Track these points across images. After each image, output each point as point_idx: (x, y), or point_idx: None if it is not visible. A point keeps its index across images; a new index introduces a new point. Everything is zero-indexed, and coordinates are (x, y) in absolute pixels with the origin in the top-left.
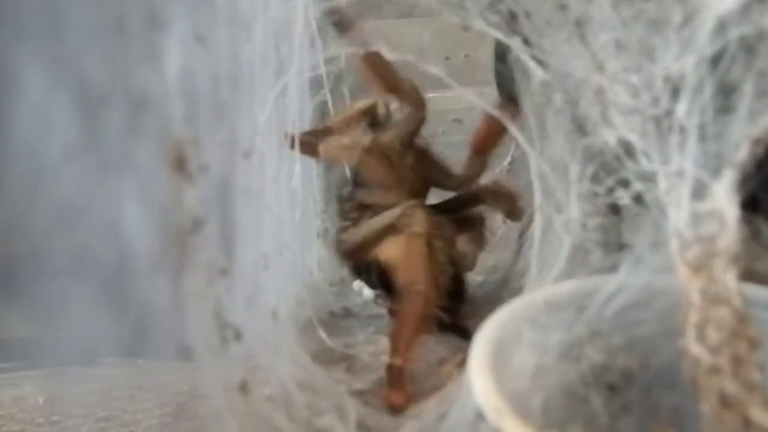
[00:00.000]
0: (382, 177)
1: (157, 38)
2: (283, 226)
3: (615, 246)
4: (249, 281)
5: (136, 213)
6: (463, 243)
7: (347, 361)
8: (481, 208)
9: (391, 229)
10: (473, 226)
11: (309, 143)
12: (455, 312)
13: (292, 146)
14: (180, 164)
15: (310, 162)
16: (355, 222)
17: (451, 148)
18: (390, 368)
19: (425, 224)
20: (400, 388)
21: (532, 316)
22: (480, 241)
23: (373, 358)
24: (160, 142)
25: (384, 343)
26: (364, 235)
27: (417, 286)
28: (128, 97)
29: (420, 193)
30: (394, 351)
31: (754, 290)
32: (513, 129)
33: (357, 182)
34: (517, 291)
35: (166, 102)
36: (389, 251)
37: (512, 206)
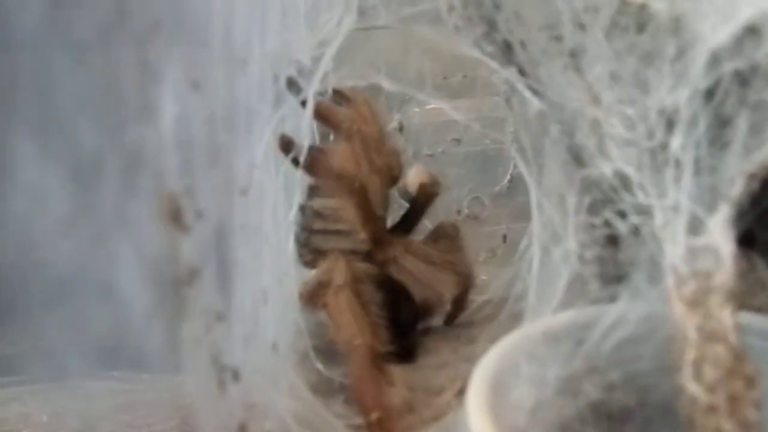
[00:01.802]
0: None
1: (150, 92)
2: (281, 256)
3: (614, 278)
4: (248, 319)
5: (131, 273)
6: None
7: (345, 392)
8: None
9: (321, 286)
10: (448, 237)
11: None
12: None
13: (296, 163)
14: (176, 217)
15: None
16: (311, 266)
17: (451, 166)
18: (371, 426)
19: (346, 274)
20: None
21: (530, 348)
22: (458, 250)
23: None
24: (155, 198)
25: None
26: (307, 289)
27: (355, 341)
28: (122, 157)
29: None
30: (365, 410)
31: (749, 319)
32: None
33: (312, 229)
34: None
35: (161, 155)
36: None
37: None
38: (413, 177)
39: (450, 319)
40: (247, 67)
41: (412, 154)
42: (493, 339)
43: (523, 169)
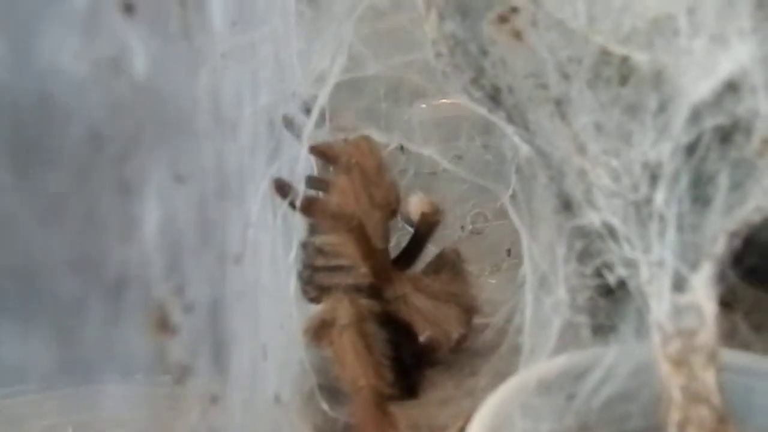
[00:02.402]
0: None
1: (130, 208)
2: (283, 300)
3: (606, 328)
4: (246, 385)
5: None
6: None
7: None
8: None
9: (325, 324)
10: (450, 264)
11: (310, 202)
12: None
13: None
14: (162, 325)
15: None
16: (316, 302)
17: (454, 183)
18: None
19: (351, 313)
20: None
21: (524, 400)
22: (460, 278)
23: None
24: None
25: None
26: (312, 325)
27: (359, 382)
28: (104, 286)
29: (382, 263)
30: None
31: (728, 355)
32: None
33: (315, 266)
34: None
35: (145, 266)
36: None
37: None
38: (414, 206)
39: (454, 350)
40: (237, 130)
41: (413, 173)
42: (495, 372)
43: (513, 215)
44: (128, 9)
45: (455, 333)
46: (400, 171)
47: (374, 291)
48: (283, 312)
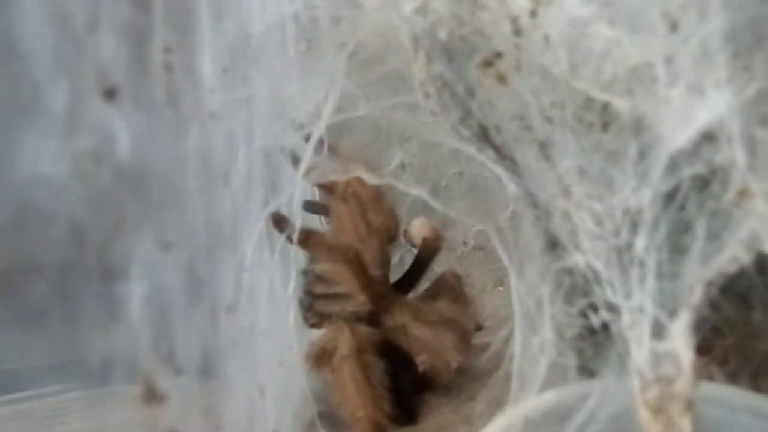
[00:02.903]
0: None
1: (114, 291)
2: (280, 335)
3: (591, 371)
4: (242, 427)
5: None
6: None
7: None
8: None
9: (326, 352)
10: (450, 288)
11: (307, 235)
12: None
13: (291, 240)
14: (151, 395)
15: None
16: (317, 327)
17: (455, 201)
18: None
19: (351, 344)
20: None
21: None
22: (460, 302)
23: None
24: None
25: None
26: (313, 352)
27: (358, 413)
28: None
29: (381, 290)
30: None
31: (707, 387)
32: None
33: (315, 293)
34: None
35: (132, 344)
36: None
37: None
38: (417, 230)
39: (452, 377)
40: (230, 176)
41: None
42: (491, 398)
43: (501, 252)
44: (110, 94)
45: (454, 362)
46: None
47: (374, 318)
48: (282, 345)
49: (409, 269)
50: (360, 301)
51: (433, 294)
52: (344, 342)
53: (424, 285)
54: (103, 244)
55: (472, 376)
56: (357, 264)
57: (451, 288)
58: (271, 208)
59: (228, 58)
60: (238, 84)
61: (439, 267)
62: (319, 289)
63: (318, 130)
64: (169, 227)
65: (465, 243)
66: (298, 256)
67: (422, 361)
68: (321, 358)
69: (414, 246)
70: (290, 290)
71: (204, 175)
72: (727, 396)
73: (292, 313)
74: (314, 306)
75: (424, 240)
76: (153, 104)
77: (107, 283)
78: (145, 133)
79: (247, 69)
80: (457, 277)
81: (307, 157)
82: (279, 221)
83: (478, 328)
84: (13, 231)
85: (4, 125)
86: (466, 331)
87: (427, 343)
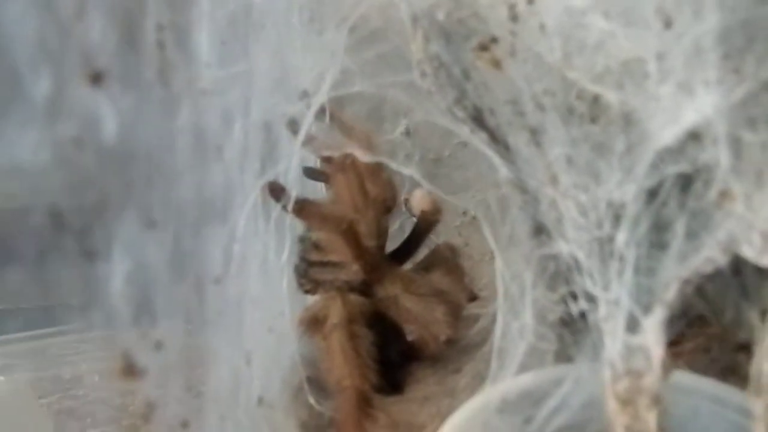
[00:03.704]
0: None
1: (95, 272)
2: (272, 302)
3: (569, 357)
4: (224, 397)
5: None
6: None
7: (334, 428)
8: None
9: (318, 320)
10: (445, 260)
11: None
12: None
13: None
14: (129, 370)
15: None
16: (311, 293)
17: (459, 169)
18: None
19: (342, 313)
20: None
21: (486, 419)
22: (455, 274)
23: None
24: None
25: (376, 407)
26: (307, 317)
27: (344, 382)
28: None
29: (376, 260)
30: None
31: (676, 375)
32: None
33: (310, 260)
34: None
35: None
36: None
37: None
38: (416, 202)
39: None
40: (224, 151)
41: (419, 158)
42: (476, 372)
43: (489, 236)
44: (96, 79)
45: (443, 335)
46: (406, 156)
47: (366, 288)
48: (273, 313)
49: (406, 240)
50: (353, 271)
51: (427, 265)
52: (335, 311)
53: (421, 255)
54: (84, 228)
55: (460, 348)
56: (351, 234)
57: (446, 260)
58: (268, 178)
59: (228, 30)
60: (238, 56)
61: (439, 235)
62: (315, 256)
63: (320, 99)
64: (154, 205)
65: (464, 213)
66: (294, 225)
67: (411, 331)
68: (313, 324)
69: (414, 216)
70: (284, 258)
71: (195, 151)
72: (694, 384)
73: (285, 280)
74: (309, 273)
75: (422, 213)
76: (143, 84)
77: (87, 265)
78: (133, 113)
79: (248, 39)
80: (453, 249)
81: (306, 124)
82: (275, 190)
83: (473, 298)
84: None
85: None
86: (457, 305)
87: (417, 315)
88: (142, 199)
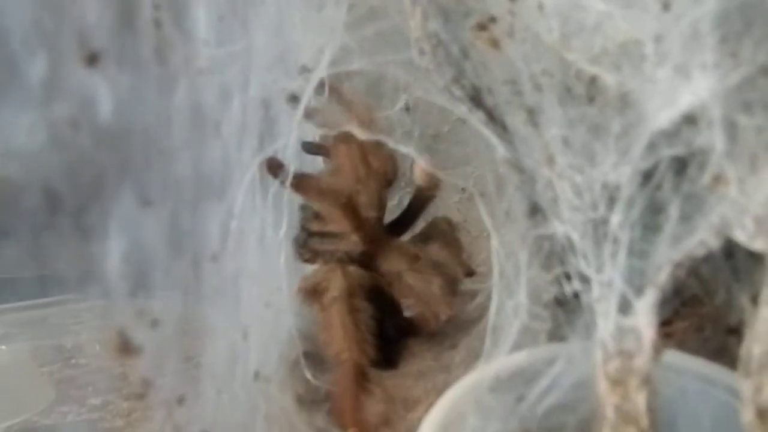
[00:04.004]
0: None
1: (90, 251)
2: (270, 277)
3: (562, 337)
4: (220, 372)
5: None
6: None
7: (330, 402)
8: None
9: (317, 291)
10: (442, 233)
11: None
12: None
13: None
14: (125, 347)
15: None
16: (310, 262)
17: (458, 145)
18: None
19: (342, 285)
20: None
21: (479, 397)
22: (454, 246)
23: None
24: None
25: (371, 381)
26: (306, 286)
27: (342, 355)
28: None
29: (375, 232)
30: (342, 425)
31: (667, 355)
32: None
33: (310, 230)
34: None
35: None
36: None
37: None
38: (417, 172)
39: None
40: (221, 127)
41: (418, 134)
42: (471, 349)
43: (485, 215)
44: (92, 59)
45: (443, 314)
46: (405, 132)
47: (366, 260)
48: (271, 287)
49: (404, 212)
50: (353, 241)
51: (424, 238)
52: (336, 284)
53: (418, 228)
54: (80, 207)
55: (456, 324)
56: (350, 206)
57: (443, 233)
58: (266, 155)
59: (226, 5)
60: (236, 32)
61: (438, 211)
62: (315, 226)
63: (319, 74)
64: (151, 184)
65: (464, 189)
66: (292, 200)
67: (411, 307)
68: (312, 294)
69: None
70: (282, 233)
71: (193, 128)
72: (684, 364)
73: (283, 255)
74: (309, 243)
75: (418, 188)
76: (139, 63)
77: (83, 244)
78: (129, 92)
79: (247, 15)
80: (449, 223)
81: (306, 99)
82: (273, 166)
83: (470, 273)
84: None
85: None
86: (454, 278)
87: (419, 292)
88: (139, 177)
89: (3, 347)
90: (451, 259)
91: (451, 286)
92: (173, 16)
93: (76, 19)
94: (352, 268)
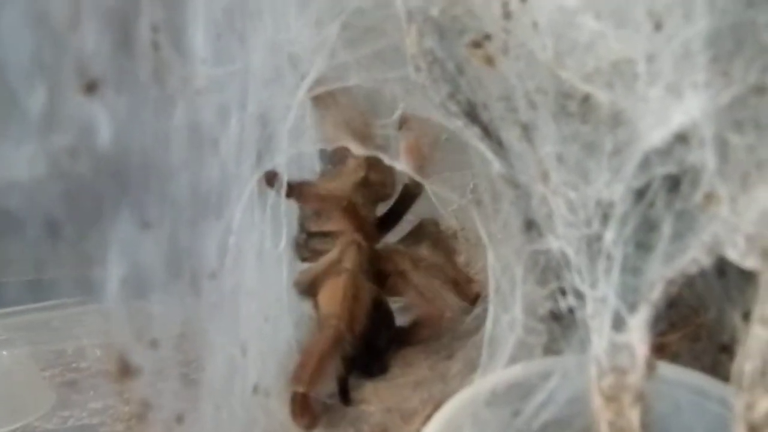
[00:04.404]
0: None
1: (90, 277)
2: (268, 291)
3: (557, 352)
4: (219, 388)
5: None
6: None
7: (327, 414)
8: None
9: (331, 268)
10: (430, 234)
11: (300, 188)
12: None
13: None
14: (124, 371)
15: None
16: (309, 261)
17: (454, 153)
18: (294, 396)
19: (354, 262)
20: (305, 414)
21: (476, 411)
22: (444, 246)
23: (353, 408)
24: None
25: (368, 391)
26: (313, 274)
27: (332, 320)
28: None
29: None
30: (298, 379)
31: (660, 367)
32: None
33: (310, 231)
34: None
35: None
36: (322, 290)
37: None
38: (404, 154)
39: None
40: (220, 145)
41: None
42: (468, 360)
43: (481, 230)
44: (91, 88)
45: (448, 312)
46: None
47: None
48: (269, 301)
49: (390, 210)
50: (355, 239)
51: (413, 239)
52: (350, 256)
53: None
54: (80, 234)
55: (453, 335)
56: (351, 207)
57: (431, 234)
58: (264, 170)
59: (224, 22)
60: (234, 49)
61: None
62: (314, 226)
63: (317, 89)
64: (150, 206)
65: (461, 197)
66: (290, 211)
67: (418, 308)
68: (321, 276)
69: None
70: (281, 246)
71: (191, 146)
72: (677, 376)
73: (284, 269)
74: (309, 243)
75: (405, 186)
76: (137, 86)
77: (83, 268)
78: (128, 116)
79: (244, 30)
80: (436, 225)
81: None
82: (271, 178)
83: (469, 280)
84: None
85: None
86: (450, 277)
87: (425, 291)
88: (138, 199)
89: (4, 352)
90: (444, 261)
91: (449, 285)
92: (171, 37)
93: (74, 48)
94: (364, 252)
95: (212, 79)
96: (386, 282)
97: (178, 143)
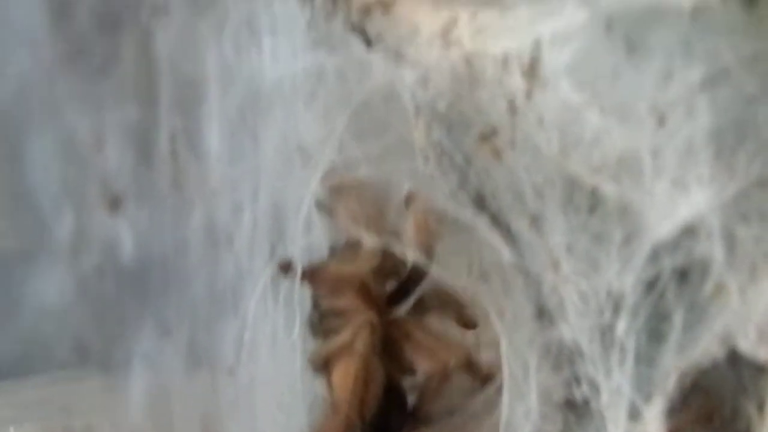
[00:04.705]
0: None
1: (114, 389)
2: (282, 380)
3: None
4: None
5: None
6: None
7: None
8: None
9: (344, 349)
10: (437, 298)
11: (313, 272)
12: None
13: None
14: None
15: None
16: (325, 338)
17: (461, 234)
18: None
19: (369, 343)
20: None
21: None
22: (454, 307)
23: None
24: None
25: None
26: (326, 353)
27: (341, 406)
28: None
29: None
30: None
31: None
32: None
33: (322, 309)
34: None
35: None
36: (334, 373)
37: (460, 313)
38: (411, 234)
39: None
40: (234, 239)
41: None
42: None
43: (494, 318)
44: (115, 203)
45: (452, 361)
46: None
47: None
48: (283, 388)
49: (397, 288)
50: (369, 317)
51: (420, 310)
52: (362, 339)
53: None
54: (106, 354)
55: (467, 415)
56: (364, 288)
57: (438, 297)
58: (278, 260)
59: (237, 120)
60: (247, 145)
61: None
62: (326, 303)
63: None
64: (169, 311)
65: (470, 270)
66: (303, 299)
67: (423, 364)
68: (334, 355)
69: None
70: (295, 333)
71: (207, 247)
72: None
73: (299, 356)
74: (324, 322)
75: (414, 266)
76: (157, 195)
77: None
78: (149, 227)
79: (256, 125)
80: (449, 296)
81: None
82: (286, 266)
83: (474, 325)
84: (19, 366)
85: (11, 263)
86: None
87: (428, 345)
88: (158, 308)
89: (11, 429)
90: (454, 320)
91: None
92: (188, 141)
93: (99, 167)
94: (376, 335)
95: (226, 177)
96: (395, 351)
97: (195, 245)
